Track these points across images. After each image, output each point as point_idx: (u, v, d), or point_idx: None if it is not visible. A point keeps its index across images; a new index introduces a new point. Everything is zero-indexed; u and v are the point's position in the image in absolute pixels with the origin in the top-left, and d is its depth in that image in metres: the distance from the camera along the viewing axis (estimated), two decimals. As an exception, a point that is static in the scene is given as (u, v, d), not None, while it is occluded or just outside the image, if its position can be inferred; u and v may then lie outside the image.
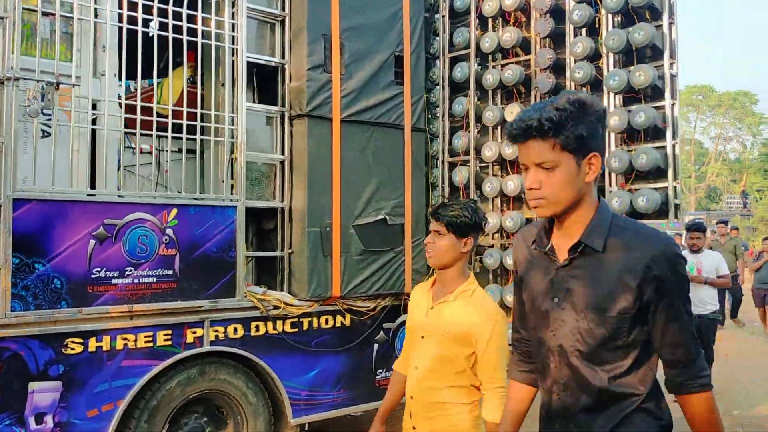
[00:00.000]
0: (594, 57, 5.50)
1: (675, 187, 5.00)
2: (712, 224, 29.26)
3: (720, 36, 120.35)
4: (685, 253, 9.01)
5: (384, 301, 6.13)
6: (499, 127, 6.21)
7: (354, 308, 5.88)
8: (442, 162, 6.52)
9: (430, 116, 6.67)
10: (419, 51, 6.35)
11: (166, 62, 5.16)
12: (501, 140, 6.16)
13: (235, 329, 5.29)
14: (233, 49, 5.44)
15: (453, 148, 6.41)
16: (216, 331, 5.19)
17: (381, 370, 6.19)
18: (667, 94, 5.04)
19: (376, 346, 6.16)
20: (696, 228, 8.83)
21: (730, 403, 8.93)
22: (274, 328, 5.45)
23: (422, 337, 3.11)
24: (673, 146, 5.03)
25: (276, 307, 5.41)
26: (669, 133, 5.02)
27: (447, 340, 2.99)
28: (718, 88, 57.27)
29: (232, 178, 5.45)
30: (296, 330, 5.58)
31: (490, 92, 6.32)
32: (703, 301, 8.51)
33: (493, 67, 6.30)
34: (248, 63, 5.69)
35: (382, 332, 6.22)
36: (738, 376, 10.70)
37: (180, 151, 5.27)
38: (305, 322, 5.65)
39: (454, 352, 3.00)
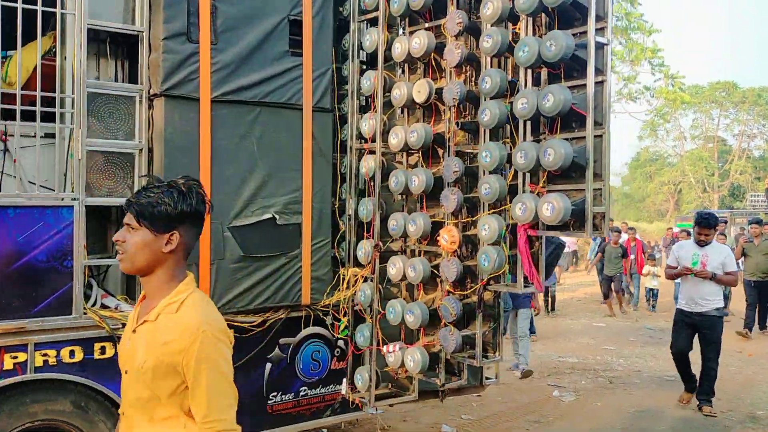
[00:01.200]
0: (515, 19, 4.29)
1: (597, 191, 3.83)
2: (736, 222, 27.25)
3: (746, 31, 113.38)
4: (691, 244, 7.85)
5: (277, 314, 5.19)
6: (406, 109, 5.06)
7: (235, 324, 4.94)
8: (350, 149, 5.43)
9: (342, 93, 5.58)
10: (324, 14, 5.24)
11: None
12: (408, 124, 5.02)
13: (72, 352, 4.45)
14: (72, 14, 4.50)
15: (361, 132, 5.31)
16: (45, 355, 4.36)
17: (275, 394, 5.28)
18: (590, 69, 3.82)
19: (269, 365, 5.24)
20: (705, 224, 7.69)
21: (753, 405, 8.24)
22: (128, 350, 4.56)
23: (125, 372, 2.40)
24: (599, 137, 3.84)
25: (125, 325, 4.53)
26: (590, 122, 3.81)
27: (147, 375, 2.25)
28: (742, 84, 55.68)
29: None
30: (158, 351, 4.69)
31: (398, 65, 5.16)
32: (704, 297, 7.79)
33: (403, 33, 5.14)
34: (101, 32, 4.76)
35: (277, 349, 5.29)
36: (763, 376, 9.97)
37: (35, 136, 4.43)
38: None
39: (159, 390, 2.24)
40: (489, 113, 4.27)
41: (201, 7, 4.71)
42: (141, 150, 4.77)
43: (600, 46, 3.89)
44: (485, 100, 4.39)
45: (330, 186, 5.36)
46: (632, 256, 16.40)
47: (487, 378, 5.77)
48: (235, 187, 4.90)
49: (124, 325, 4.46)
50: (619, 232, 16.20)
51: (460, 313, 4.67)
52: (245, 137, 4.92)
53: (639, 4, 23.77)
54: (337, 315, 5.36)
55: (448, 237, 4.68)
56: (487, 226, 4.31)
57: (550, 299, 15.37)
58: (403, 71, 5.20)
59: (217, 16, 4.79)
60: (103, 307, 4.70)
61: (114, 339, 4.50)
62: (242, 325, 4.97)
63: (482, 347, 4.74)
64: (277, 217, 5.04)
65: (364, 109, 5.50)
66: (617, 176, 60.56)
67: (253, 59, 4.93)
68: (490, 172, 4.38)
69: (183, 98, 4.67)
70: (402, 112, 5.20)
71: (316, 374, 5.47)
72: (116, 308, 4.71)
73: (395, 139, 4.93)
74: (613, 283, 15.59)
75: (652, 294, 16.35)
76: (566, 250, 19.08)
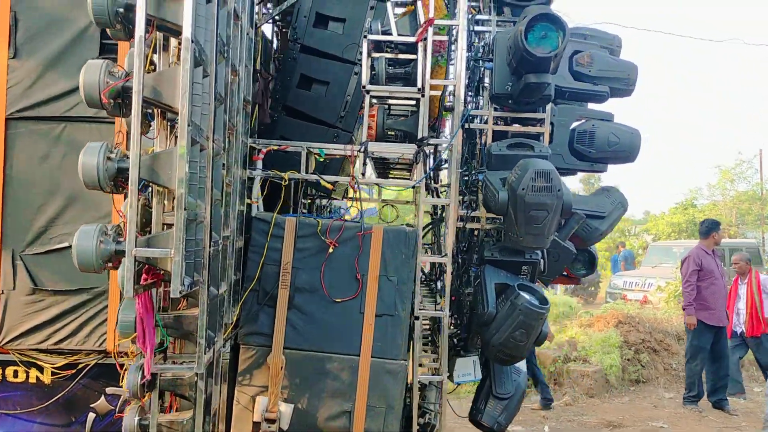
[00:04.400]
0: None
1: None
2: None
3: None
4: None
5: (88, 359, 4.51)
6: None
7: (38, 362, 4.48)
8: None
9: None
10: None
11: None
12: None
13: None
14: None
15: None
16: None
17: (100, 449, 4.58)
18: None
19: (91, 416, 4.57)
20: None
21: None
22: None
23: None
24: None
25: None
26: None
27: None
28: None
29: None
30: (-35, 379, 4.56)
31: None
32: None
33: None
34: None
35: (103, 399, 4.59)
36: None
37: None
38: (-19, 370, 4.57)
39: None
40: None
41: None
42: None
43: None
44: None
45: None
46: None
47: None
48: (31, 212, 4.45)
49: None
50: None
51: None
52: (46, 158, 4.44)
53: None
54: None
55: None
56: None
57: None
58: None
59: (17, 28, 4.45)
60: None
61: None
62: (44, 364, 4.47)
63: None
64: (77, 246, 4.39)
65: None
66: None
67: (58, 69, 4.42)
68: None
69: (-30, 116, 4.45)
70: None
71: None
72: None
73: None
74: None
75: None
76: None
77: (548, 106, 4.77)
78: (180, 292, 2.42)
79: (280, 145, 4.77)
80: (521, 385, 4.94)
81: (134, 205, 2.43)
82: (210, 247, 2.88)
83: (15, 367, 4.57)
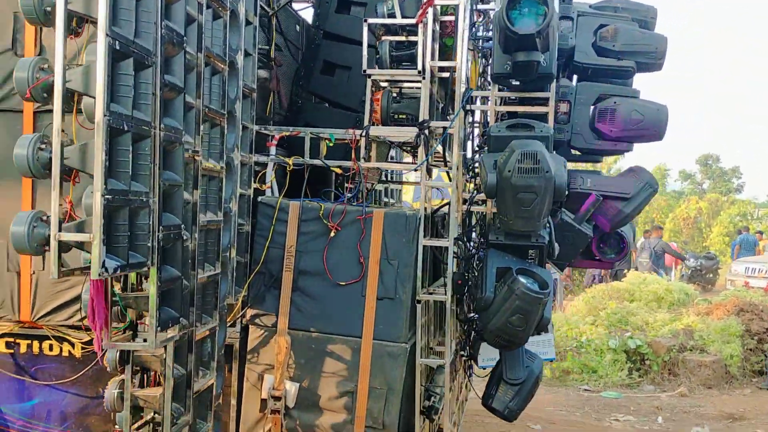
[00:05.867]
0: None
1: None
2: None
3: None
4: None
5: None
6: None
7: (67, 337, 4.86)
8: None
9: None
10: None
11: None
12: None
13: None
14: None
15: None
16: None
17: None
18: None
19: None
20: None
21: None
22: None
23: None
24: None
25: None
26: None
27: None
28: None
29: None
30: (11, 351, 5.01)
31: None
32: None
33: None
34: None
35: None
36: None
37: None
38: (23, 344, 5.01)
39: None
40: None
41: None
42: None
43: None
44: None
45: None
46: None
47: None
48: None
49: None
50: None
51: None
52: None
53: None
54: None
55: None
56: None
57: None
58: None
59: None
60: None
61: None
62: (73, 340, 4.85)
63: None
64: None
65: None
66: None
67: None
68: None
69: None
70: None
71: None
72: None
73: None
74: None
75: None
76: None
77: (552, 85, 4.59)
78: (100, 275, 2.57)
79: (290, 132, 4.87)
80: (534, 371, 4.81)
81: (56, 192, 2.61)
82: (160, 232, 3.02)
83: (50, 341, 4.98)
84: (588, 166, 6.20)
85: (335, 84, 5.56)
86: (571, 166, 5.05)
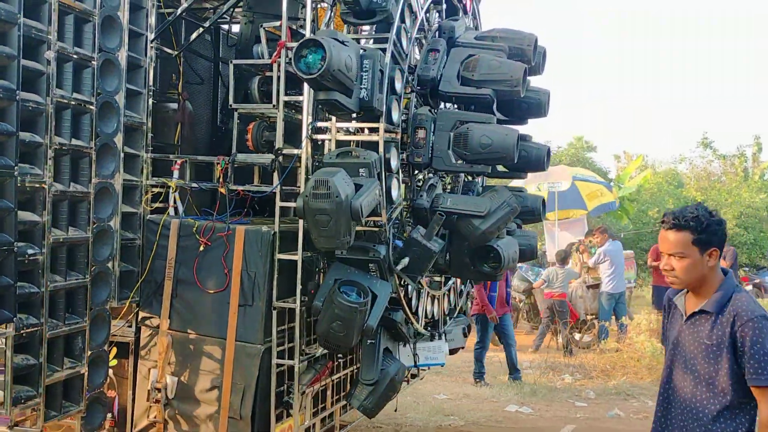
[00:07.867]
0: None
1: None
2: None
3: None
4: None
5: None
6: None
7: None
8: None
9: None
10: None
11: None
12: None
13: None
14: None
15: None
16: None
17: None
18: None
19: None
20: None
21: None
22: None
23: None
24: None
25: None
26: None
27: None
28: None
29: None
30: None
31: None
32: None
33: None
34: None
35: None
36: None
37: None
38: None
39: None
40: None
41: None
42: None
43: None
44: None
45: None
46: None
47: None
48: None
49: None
50: None
51: None
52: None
53: None
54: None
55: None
56: None
57: None
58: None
59: None
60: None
61: None
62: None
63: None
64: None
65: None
66: None
67: None
68: None
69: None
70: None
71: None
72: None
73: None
74: None
75: None
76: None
77: (395, 114, 5.07)
78: None
79: (183, 158, 5.61)
80: (389, 372, 5.27)
81: None
82: None
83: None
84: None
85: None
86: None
